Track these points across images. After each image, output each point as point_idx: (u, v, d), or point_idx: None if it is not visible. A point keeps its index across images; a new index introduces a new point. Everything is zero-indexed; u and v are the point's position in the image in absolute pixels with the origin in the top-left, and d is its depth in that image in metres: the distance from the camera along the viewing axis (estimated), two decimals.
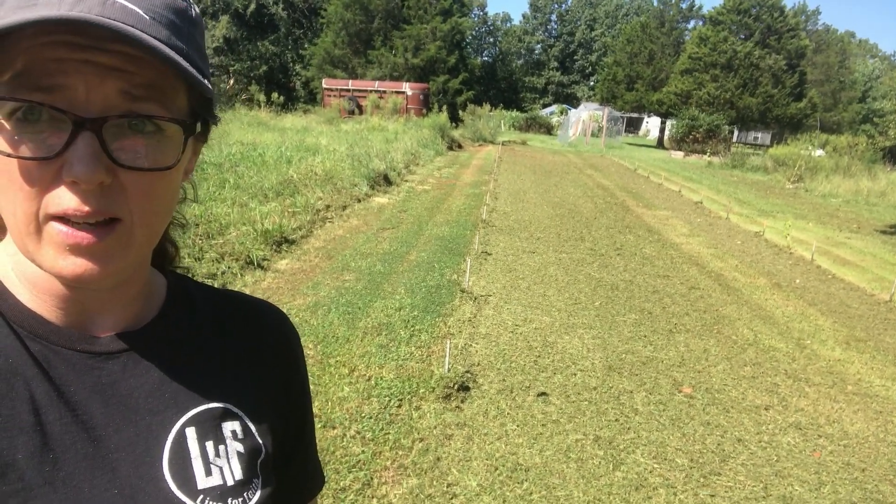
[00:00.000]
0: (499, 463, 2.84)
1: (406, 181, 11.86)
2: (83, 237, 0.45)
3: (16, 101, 0.43)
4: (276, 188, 7.94)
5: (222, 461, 0.56)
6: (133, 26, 0.43)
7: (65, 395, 0.50)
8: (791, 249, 8.39)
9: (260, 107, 21.66)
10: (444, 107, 26.44)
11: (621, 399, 3.59)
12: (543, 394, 3.56)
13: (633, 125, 56.17)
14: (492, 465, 2.83)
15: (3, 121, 0.44)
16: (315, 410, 3.09)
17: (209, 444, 0.56)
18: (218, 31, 37.20)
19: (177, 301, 0.62)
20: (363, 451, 2.83)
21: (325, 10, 36.10)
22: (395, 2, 33.79)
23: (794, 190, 17.41)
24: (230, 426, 0.58)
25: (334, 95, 27.07)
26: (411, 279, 5.49)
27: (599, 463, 2.92)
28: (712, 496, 2.74)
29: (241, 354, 0.63)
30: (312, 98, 36.08)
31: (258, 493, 0.58)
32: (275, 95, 22.91)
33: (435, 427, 3.11)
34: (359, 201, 9.13)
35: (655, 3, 46.23)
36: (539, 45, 67.71)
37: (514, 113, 44.66)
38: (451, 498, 2.58)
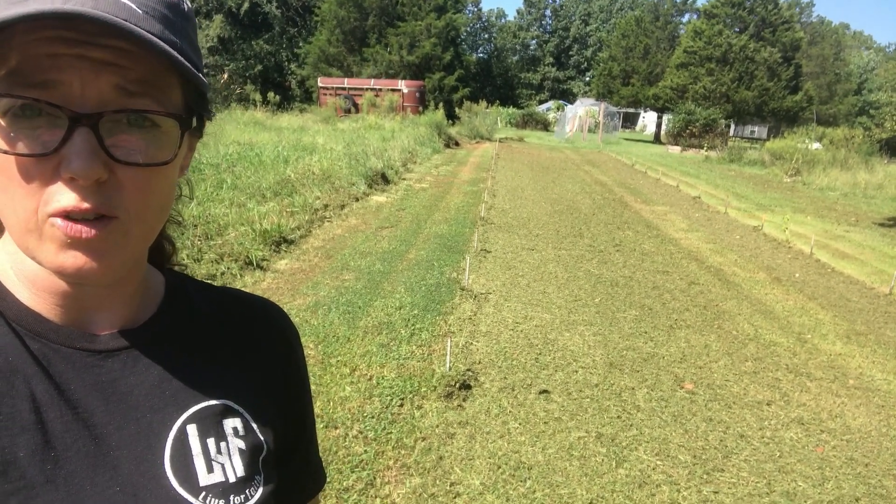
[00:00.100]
0: (501, 461, 2.84)
1: (404, 179, 11.85)
2: (82, 229, 0.45)
3: (11, 98, 0.43)
4: (273, 188, 7.93)
5: (224, 458, 0.56)
6: (126, 20, 0.43)
7: (65, 393, 0.50)
8: (790, 243, 8.40)
9: (256, 106, 21.61)
10: (441, 104, 26.47)
11: (623, 396, 3.59)
12: (545, 391, 3.56)
13: (629, 120, 56.18)
14: (494, 463, 2.82)
15: None
16: (317, 410, 3.08)
17: (210, 441, 0.56)
18: (212, 30, 37.08)
19: (175, 298, 0.62)
20: (366, 451, 2.82)
21: (319, 7, 36.04)
22: None
23: (792, 183, 17.42)
24: (231, 423, 0.58)
25: (330, 94, 27.04)
26: (411, 278, 5.48)
27: (602, 460, 2.92)
28: (715, 493, 2.74)
29: (240, 351, 0.63)
30: (308, 97, 36.02)
31: (260, 490, 0.58)
32: (271, 95, 22.86)
33: (437, 426, 3.10)
34: (357, 200, 9.12)
35: None
36: (534, 41, 67.62)
37: (511, 109, 44.69)
38: (455, 497, 2.57)
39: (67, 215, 0.45)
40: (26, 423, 0.47)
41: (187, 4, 0.52)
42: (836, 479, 2.93)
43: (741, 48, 33.91)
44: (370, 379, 3.53)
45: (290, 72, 41.26)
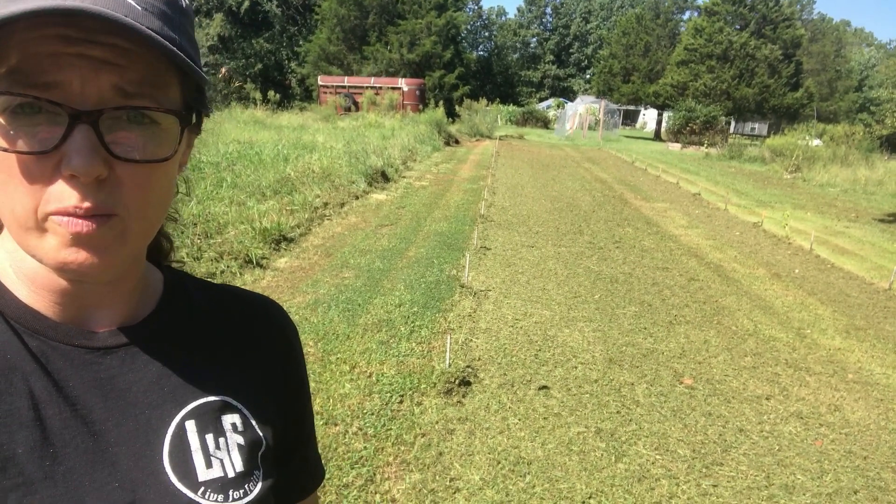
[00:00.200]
0: (501, 457, 2.85)
1: (404, 177, 11.85)
2: (83, 224, 0.45)
3: (11, 96, 0.43)
4: (273, 186, 7.93)
5: (223, 453, 0.56)
6: (125, 16, 0.43)
7: (64, 390, 0.50)
8: (790, 239, 8.40)
9: (256, 105, 21.61)
10: (441, 102, 26.46)
11: (622, 391, 3.60)
12: (545, 387, 3.57)
13: (629, 118, 56.12)
14: (494, 458, 2.83)
15: None
16: (316, 407, 3.09)
17: (209, 437, 0.56)
18: (212, 29, 37.06)
19: (174, 295, 0.62)
20: (365, 448, 2.83)
21: (320, 6, 36.01)
22: None
23: (792, 180, 17.41)
24: (230, 419, 0.58)
25: (330, 92, 27.03)
26: (411, 275, 5.49)
27: (602, 455, 2.93)
28: (715, 486, 2.75)
29: (238, 348, 0.63)
30: (308, 95, 36.02)
31: (259, 486, 0.58)
32: (271, 93, 22.85)
33: (437, 422, 3.11)
34: (357, 198, 9.12)
35: None
36: (534, 39, 67.57)
37: (511, 107, 44.61)
38: (454, 492, 2.58)
39: (68, 214, 0.45)
40: (25, 419, 0.48)
41: (185, 0, 0.52)
42: (834, 471, 2.94)
43: (742, 45, 33.85)
44: (370, 376, 3.54)
45: (290, 70, 41.25)
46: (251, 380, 0.63)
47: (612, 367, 3.92)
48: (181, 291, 0.63)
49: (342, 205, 8.44)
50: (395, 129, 17.73)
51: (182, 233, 5.35)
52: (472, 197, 10.08)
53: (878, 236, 9.50)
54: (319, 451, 0.78)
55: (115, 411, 0.52)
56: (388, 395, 3.33)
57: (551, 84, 65.43)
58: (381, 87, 26.26)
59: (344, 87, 27.32)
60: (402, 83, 26.85)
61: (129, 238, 0.49)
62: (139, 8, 0.45)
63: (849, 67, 53.76)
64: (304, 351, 0.74)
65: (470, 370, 3.65)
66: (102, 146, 0.45)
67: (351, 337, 4.04)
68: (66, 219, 0.45)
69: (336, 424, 3.01)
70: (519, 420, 3.19)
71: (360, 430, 2.98)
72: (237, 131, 13.34)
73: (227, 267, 5.11)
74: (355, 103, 25.84)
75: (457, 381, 3.45)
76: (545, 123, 41.03)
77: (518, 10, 69.38)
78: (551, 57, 66.18)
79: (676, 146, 28.90)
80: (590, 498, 2.61)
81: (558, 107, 45.77)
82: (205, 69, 0.54)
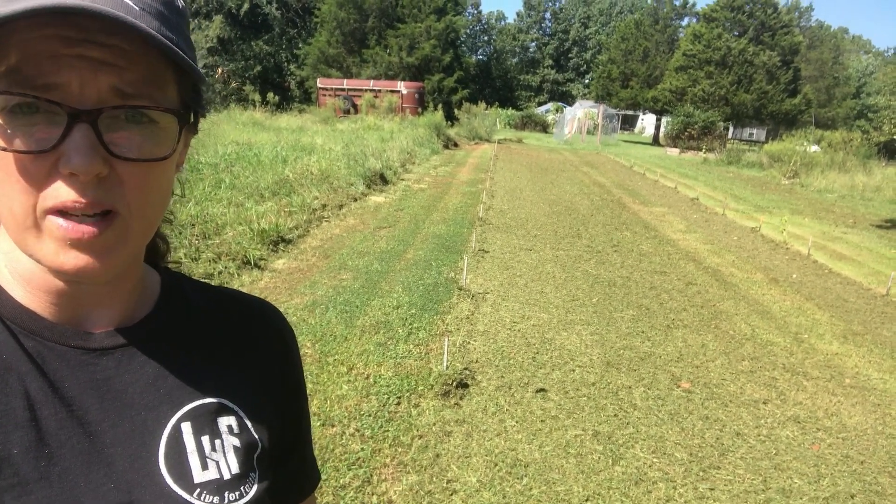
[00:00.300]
0: (498, 459, 2.84)
1: (402, 180, 11.85)
2: (84, 230, 0.45)
3: (10, 95, 0.43)
4: (272, 188, 7.93)
5: (218, 455, 0.56)
6: (124, 16, 0.43)
7: (59, 391, 0.50)
8: (787, 245, 8.41)
9: (255, 107, 21.61)
10: (440, 105, 26.46)
11: (620, 394, 3.60)
12: (542, 390, 3.56)
13: (628, 122, 56.23)
14: (491, 461, 2.82)
15: None
16: (314, 409, 3.08)
17: (205, 439, 0.56)
18: (212, 31, 37.08)
19: (171, 297, 0.62)
20: (362, 449, 2.82)
21: (319, 9, 36.05)
22: (389, 0, 33.76)
23: (790, 186, 17.45)
24: (226, 421, 0.58)
25: (329, 95, 27.05)
26: (409, 277, 5.49)
27: (599, 458, 2.92)
28: (712, 489, 2.75)
29: (235, 350, 0.63)
30: (307, 98, 36.02)
31: (255, 488, 0.58)
32: (270, 95, 22.86)
33: (434, 424, 3.10)
34: (355, 200, 9.12)
35: (649, 1, 46.32)
36: (534, 44, 67.70)
37: (510, 111, 44.74)
38: (451, 494, 2.58)
39: (67, 213, 0.45)
40: (20, 420, 0.47)
41: (181, 1, 0.52)
42: (831, 476, 2.94)
43: (740, 52, 33.99)
44: (367, 377, 3.53)
45: (289, 72, 41.29)
46: (249, 380, 0.62)
47: (609, 370, 3.92)
48: (178, 292, 0.63)
49: (340, 207, 8.44)
50: (394, 131, 17.74)
51: (180, 233, 5.34)
52: (471, 200, 10.09)
53: (876, 242, 9.52)
54: (316, 452, 0.78)
55: (111, 412, 0.52)
56: (386, 396, 3.33)
57: (550, 88, 65.57)
58: (380, 90, 26.28)
59: (343, 89, 27.34)
60: (402, 86, 26.89)
61: (130, 238, 0.49)
62: (137, 8, 0.45)
63: (847, 74, 53.99)
64: (302, 352, 0.74)
65: (467, 372, 3.65)
66: (101, 145, 0.45)
67: (348, 338, 4.04)
68: (66, 224, 0.45)
69: (333, 426, 3.00)
70: (516, 422, 3.19)
71: (358, 431, 2.97)
72: (236, 133, 13.34)
73: (225, 268, 5.10)
74: (354, 106, 25.85)
75: (454, 384, 3.44)
76: (544, 127, 41.14)
77: (517, 14, 69.60)
78: (550, 61, 66.33)
79: (675, 151, 28.97)
80: (587, 501, 2.61)
81: (557, 111, 45.89)
82: (202, 70, 0.54)
